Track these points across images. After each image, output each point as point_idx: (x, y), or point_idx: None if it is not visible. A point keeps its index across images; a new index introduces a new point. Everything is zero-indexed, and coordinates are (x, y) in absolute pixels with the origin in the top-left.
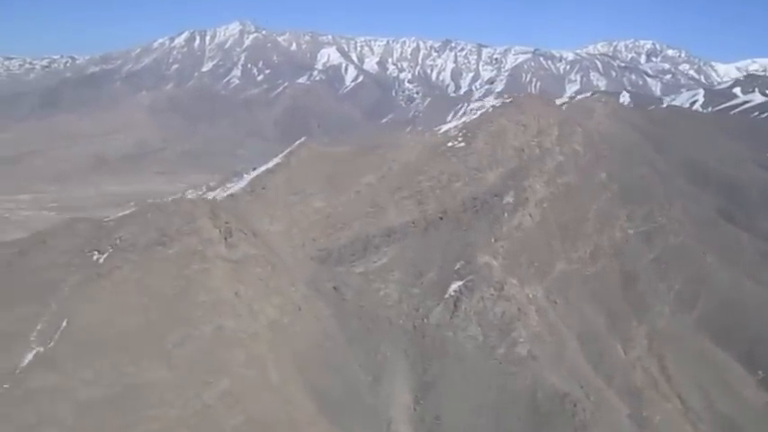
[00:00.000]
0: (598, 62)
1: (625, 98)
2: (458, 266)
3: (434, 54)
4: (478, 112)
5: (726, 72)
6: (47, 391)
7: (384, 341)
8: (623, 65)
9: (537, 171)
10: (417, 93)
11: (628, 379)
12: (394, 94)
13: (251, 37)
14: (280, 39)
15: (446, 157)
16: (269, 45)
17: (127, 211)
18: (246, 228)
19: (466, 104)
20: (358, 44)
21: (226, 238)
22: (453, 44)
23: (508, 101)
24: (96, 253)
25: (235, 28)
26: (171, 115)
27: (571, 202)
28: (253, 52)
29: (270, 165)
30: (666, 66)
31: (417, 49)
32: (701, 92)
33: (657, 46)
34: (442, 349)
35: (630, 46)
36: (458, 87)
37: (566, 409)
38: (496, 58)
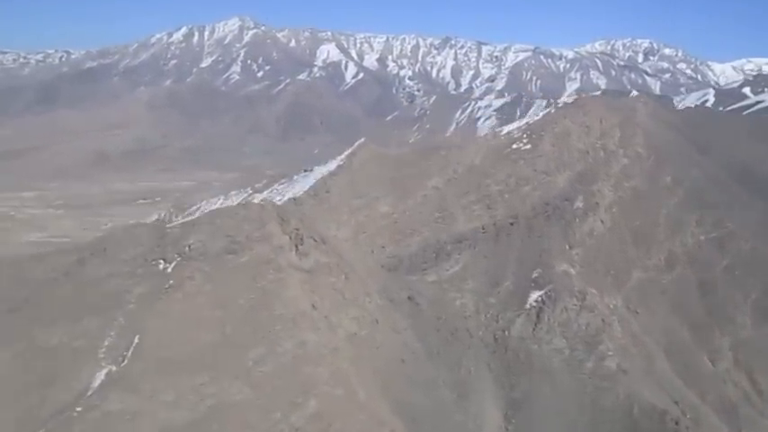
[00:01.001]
0: (598, 61)
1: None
2: (535, 275)
3: (434, 51)
4: (541, 114)
5: (722, 71)
6: (126, 414)
7: (466, 355)
8: (623, 63)
9: (604, 175)
10: (418, 90)
11: (721, 394)
12: (394, 91)
13: (250, 33)
14: (279, 35)
15: (512, 160)
16: (268, 41)
17: (191, 217)
18: (316, 234)
19: (474, 103)
20: (357, 41)
21: (296, 246)
22: (453, 41)
23: (570, 101)
24: (162, 262)
25: (234, 23)
26: (170, 111)
27: (640, 208)
28: (252, 48)
29: (332, 166)
30: (665, 65)
31: (417, 46)
32: (711, 92)
33: (655, 45)
34: (528, 363)
35: (628, 45)
36: (458, 85)
37: (667, 427)
38: (496, 56)
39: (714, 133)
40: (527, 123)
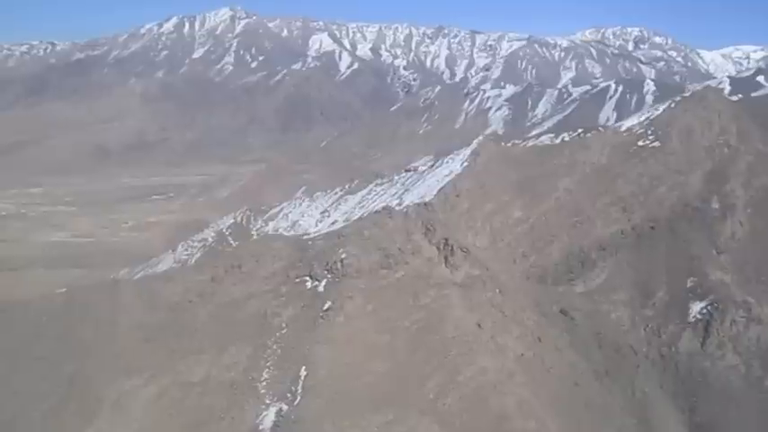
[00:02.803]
0: (592, 49)
1: (649, 86)
2: (690, 284)
3: (428, 40)
4: (661, 108)
5: (711, 59)
6: None
7: (636, 374)
8: (616, 52)
9: (733, 173)
10: (414, 80)
11: None
12: (390, 81)
13: (242, 23)
14: (270, 24)
15: (642, 158)
16: (261, 31)
17: (332, 228)
18: (461, 244)
19: (482, 92)
20: (350, 30)
21: (446, 258)
22: (446, 30)
23: (687, 95)
24: (309, 279)
25: (225, 13)
26: (165, 103)
27: None
28: (245, 38)
29: (454, 166)
30: (659, 53)
31: (410, 35)
32: (727, 80)
33: (645, 33)
34: (704, 383)
35: (618, 33)
36: (453, 74)
37: None
38: (491, 45)
39: None
40: (647, 119)
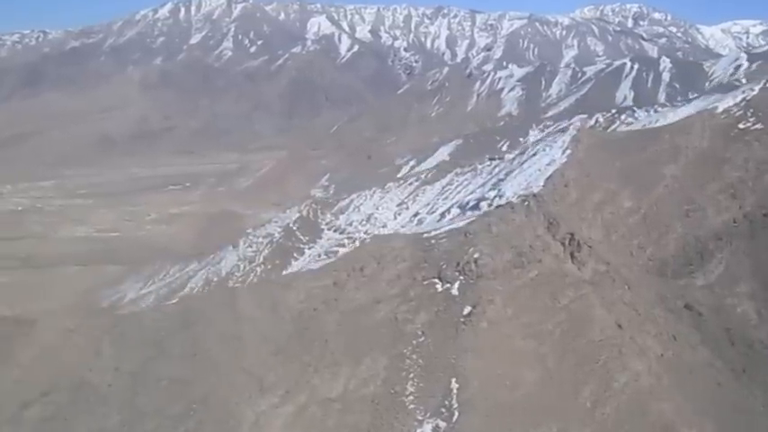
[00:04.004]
0: (594, 27)
1: (666, 63)
2: None
3: (427, 21)
4: (756, 88)
5: (711, 34)
6: None
7: None
8: (618, 29)
9: None
10: (416, 61)
11: None
12: (390, 63)
13: (239, 7)
14: (267, 8)
15: (745, 142)
16: (258, 15)
17: (457, 224)
18: (583, 238)
19: (493, 73)
20: (348, 12)
21: (572, 254)
22: (446, 10)
23: None
24: (438, 281)
25: None
26: (165, 91)
27: None
28: (242, 23)
29: (555, 155)
30: (660, 29)
31: (409, 16)
32: (744, 56)
33: (644, 9)
34: None
35: (617, 10)
36: (454, 55)
37: None
38: (491, 24)
39: None
40: (743, 99)
